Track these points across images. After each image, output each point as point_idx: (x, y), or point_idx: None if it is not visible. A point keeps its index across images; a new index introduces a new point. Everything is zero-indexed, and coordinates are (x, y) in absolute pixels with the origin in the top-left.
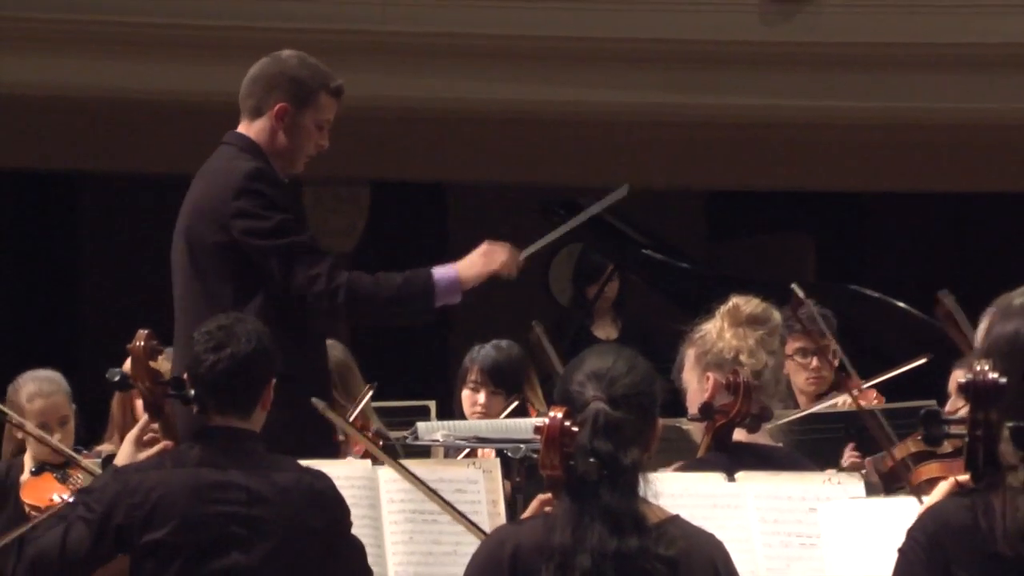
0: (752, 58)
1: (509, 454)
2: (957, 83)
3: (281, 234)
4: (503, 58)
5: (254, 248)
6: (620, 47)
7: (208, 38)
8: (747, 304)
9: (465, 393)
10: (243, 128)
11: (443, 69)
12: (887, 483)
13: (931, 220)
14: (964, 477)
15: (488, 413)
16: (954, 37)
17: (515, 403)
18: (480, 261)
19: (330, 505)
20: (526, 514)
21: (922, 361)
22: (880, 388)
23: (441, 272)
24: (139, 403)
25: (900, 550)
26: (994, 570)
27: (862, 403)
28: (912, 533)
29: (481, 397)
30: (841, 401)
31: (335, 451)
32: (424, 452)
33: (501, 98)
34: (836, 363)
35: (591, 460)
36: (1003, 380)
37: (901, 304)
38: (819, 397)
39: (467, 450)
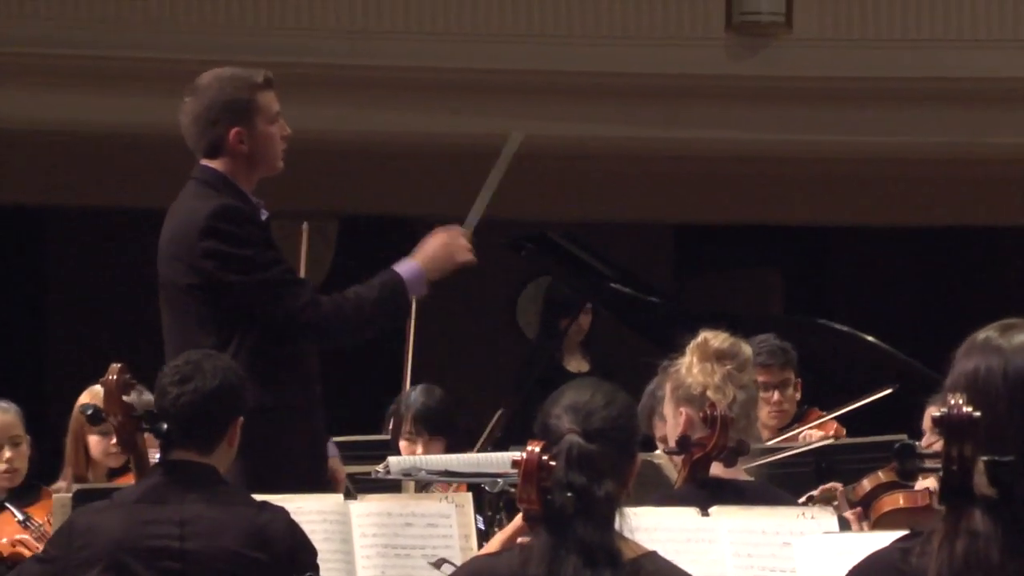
0: (718, 92)
1: (487, 488)
2: (924, 117)
3: (254, 270)
4: (471, 92)
5: (231, 285)
6: (586, 81)
7: (177, 72)
8: (715, 339)
9: (403, 444)
10: (207, 162)
11: (411, 103)
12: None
13: (898, 254)
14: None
15: None
16: (920, 72)
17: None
18: (443, 255)
19: (275, 539)
20: (494, 541)
21: (887, 392)
22: (843, 420)
23: (407, 272)
24: (92, 440)
25: None
26: None
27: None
28: None
29: (419, 449)
30: (804, 433)
31: (326, 484)
32: (395, 486)
33: (469, 132)
34: (798, 396)
35: (568, 494)
36: (977, 414)
37: (869, 337)
38: (781, 430)
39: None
